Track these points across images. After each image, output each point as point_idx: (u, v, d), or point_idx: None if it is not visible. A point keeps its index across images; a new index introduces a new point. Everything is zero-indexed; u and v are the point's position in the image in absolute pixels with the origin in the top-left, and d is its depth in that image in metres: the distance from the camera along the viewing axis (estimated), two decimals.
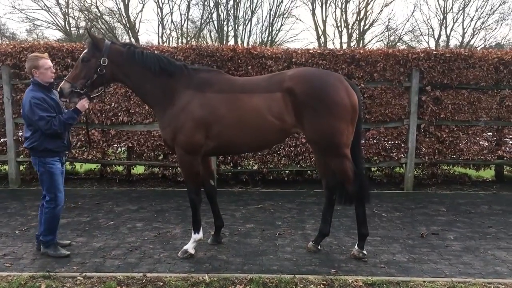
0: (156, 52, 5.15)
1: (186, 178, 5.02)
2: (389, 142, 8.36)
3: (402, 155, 8.34)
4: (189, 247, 4.99)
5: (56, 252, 4.90)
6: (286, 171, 8.76)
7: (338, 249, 5.23)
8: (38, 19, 29.50)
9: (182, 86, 4.85)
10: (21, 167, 8.54)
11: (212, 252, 5.11)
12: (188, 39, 31.31)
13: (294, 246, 5.31)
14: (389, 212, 6.86)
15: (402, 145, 8.33)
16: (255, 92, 4.75)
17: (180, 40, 31.35)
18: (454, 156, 8.49)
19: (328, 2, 30.59)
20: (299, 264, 4.73)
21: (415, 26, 30.12)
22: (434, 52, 8.10)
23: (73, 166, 9.07)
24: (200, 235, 5.05)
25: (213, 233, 5.48)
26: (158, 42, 29.49)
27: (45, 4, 28.95)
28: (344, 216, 6.58)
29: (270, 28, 31.88)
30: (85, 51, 4.80)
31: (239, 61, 8.14)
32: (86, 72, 4.71)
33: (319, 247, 5.18)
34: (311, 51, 8.09)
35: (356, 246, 4.98)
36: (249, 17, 30.99)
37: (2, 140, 8.45)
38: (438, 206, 7.30)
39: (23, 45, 8.26)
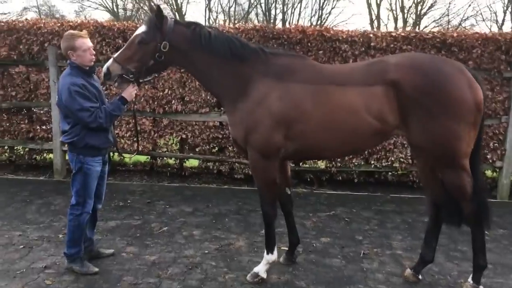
0: None
1: (260, 187, 4.10)
2: (482, 142, 7.15)
3: (497, 157, 7.12)
4: (261, 269, 4.11)
5: (82, 268, 4.13)
6: (357, 171, 7.69)
7: (442, 279, 4.23)
8: (88, 0, 29.36)
9: (258, 74, 3.92)
10: (67, 157, 7.88)
11: (287, 275, 4.23)
12: (235, 22, 30.41)
13: (386, 272, 4.34)
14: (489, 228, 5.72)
15: (498, 146, 7.11)
16: (349, 84, 3.78)
17: (227, 23, 30.50)
18: None
19: None
20: None
21: (477, 11, 27.83)
22: None
23: (122, 157, 8.36)
24: (274, 256, 4.16)
25: (286, 249, 4.59)
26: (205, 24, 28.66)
27: None
28: None
29: (320, 11, 30.58)
30: (143, 29, 3.89)
31: (308, 44, 7.12)
32: (142, 56, 3.84)
33: (419, 276, 4.20)
34: (393, 34, 6.97)
35: (470, 280, 3.96)
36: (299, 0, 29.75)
37: (49, 126, 7.83)
38: None
39: (71, 23, 7.55)
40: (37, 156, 8.30)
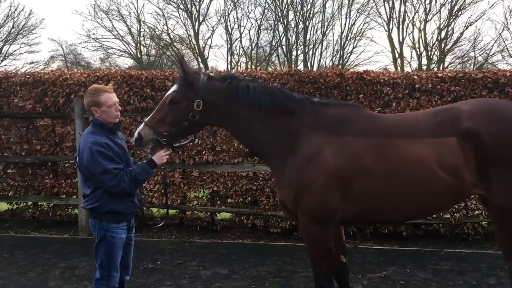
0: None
1: (313, 257, 3.56)
2: None
3: None
4: None
5: None
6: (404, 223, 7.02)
7: None
8: (112, 48, 30.00)
9: (308, 127, 3.49)
10: None
11: None
12: (257, 64, 30.50)
13: None
14: None
15: None
16: (416, 135, 3.29)
17: (249, 66, 30.66)
18: None
19: (406, 23, 28.63)
20: None
21: (503, 47, 27.14)
22: None
23: (150, 211, 7.91)
24: None
25: None
26: (227, 68, 28.83)
27: (118, 33, 29.30)
28: None
29: (342, 51, 30.50)
30: (174, 89, 3.59)
31: (347, 88, 6.70)
32: (174, 118, 3.50)
33: None
34: (439, 75, 6.50)
35: None
36: (320, 40, 29.78)
37: (75, 180, 7.47)
38: None
39: (98, 74, 7.31)
40: (62, 212, 7.90)
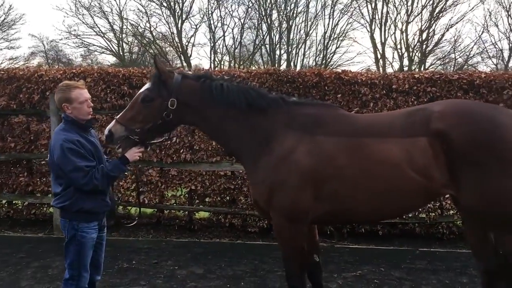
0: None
1: (285, 256, 3.56)
2: None
3: None
4: None
5: None
6: (380, 223, 7.09)
7: None
8: (94, 45, 29.66)
9: (281, 126, 3.50)
10: None
11: None
12: (241, 63, 30.46)
13: None
14: None
15: None
16: (388, 135, 3.32)
17: (232, 64, 30.60)
18: None
19: (388, 24, 28.89)
20: None
21: (483, 49, 27.60)
22: None
23: (127, 209, 7.83)
24: None
25: None
26: (210, 66, 28.70)
27: (100, 30, 28.96)
28: None
29: (325, 51, 30.63)
30: (147, 86, 3.56)
31: (325, 88, 6.72)
32: (146, 116, 3.49)
33: None
34: (416, 76, 6.57)
35: None
36: (303, 40, 29.86)
37: (49, 178, 7.35)
38: None
39: (74, 70, 7.17)
40: (36, 211, 7.77)
